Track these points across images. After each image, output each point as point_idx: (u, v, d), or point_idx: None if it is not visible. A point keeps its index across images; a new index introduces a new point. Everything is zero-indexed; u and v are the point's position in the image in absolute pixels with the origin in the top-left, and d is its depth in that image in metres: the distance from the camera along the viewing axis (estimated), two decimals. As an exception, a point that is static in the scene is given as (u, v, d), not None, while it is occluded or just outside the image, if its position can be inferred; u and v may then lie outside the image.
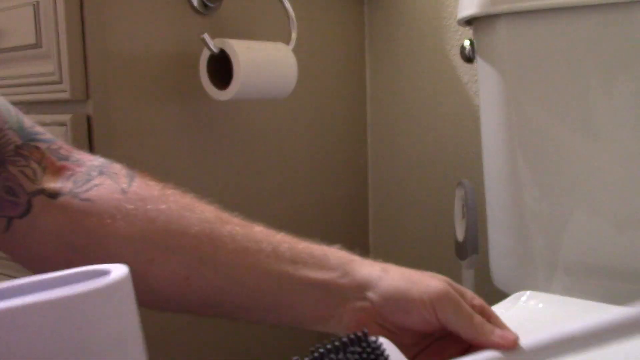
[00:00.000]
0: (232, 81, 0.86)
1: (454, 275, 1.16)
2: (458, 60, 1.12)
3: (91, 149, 0.82)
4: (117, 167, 0.46)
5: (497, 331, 0.40)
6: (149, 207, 0.41)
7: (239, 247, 0.41)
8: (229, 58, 0.86)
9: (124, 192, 0.42)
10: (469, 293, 0.44)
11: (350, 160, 1.24)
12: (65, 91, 0.81)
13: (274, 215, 1.09)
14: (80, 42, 0.81)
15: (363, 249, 1.28)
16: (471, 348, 0.41)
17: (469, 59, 0.90)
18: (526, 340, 0.38)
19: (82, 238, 0.40)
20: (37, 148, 0.44)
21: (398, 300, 0.40)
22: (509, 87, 0.78)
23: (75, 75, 0.81)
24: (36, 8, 0.82)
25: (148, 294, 0.40)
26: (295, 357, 0.32)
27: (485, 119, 0.83)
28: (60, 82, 0.81)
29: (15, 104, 0.92)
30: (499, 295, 0.80)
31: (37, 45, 0.83)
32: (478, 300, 0.43)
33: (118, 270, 0.26)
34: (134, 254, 0.40)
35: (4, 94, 0.91)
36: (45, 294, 0.23)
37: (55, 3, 0.80)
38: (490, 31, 0.79)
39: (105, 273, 0.26)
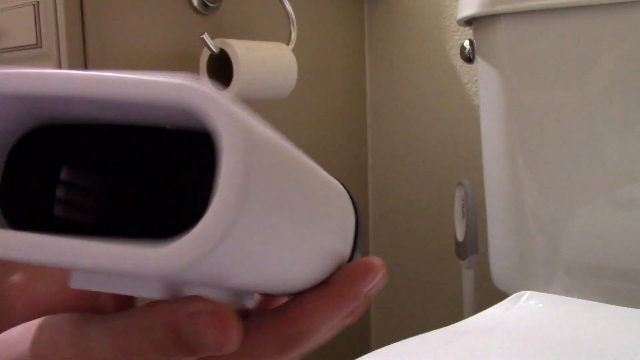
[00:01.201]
0: (232, 81, 0.86)
1: (454, 275, 1.16)
2: (458, 60, 1.12)
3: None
4: None
5: None
6: None
7: None
8: (229, 58, 0.86)
9: None
10: None
11: (350, 160, 1.24)
12: (65, 91, 0.81)
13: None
14: (80, 42, 0.81)
15: (363, 250, 1.28)
16: None
17: (469, 59, 0.90)
18: None
19: None
20: None
21: None
22: (509, 87, 0.78)
23: (75, 75, 0.81)
24: (36, 8, 0.82)
25: None
26: None
27: (485, 118, 0.84)
28: (60, 82, 0.81)
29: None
30: (499, 295, 0.80)
31: (37, 45, 0.83)
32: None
33: None
34: None
35: (4, 94, 0.91)
36: None
37: (55, 3, 0.80)
38: (490, 31, 0.79)
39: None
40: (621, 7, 0.69)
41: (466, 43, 0.91)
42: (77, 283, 0.21)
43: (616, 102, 0.71)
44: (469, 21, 0.83)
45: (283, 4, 0.96)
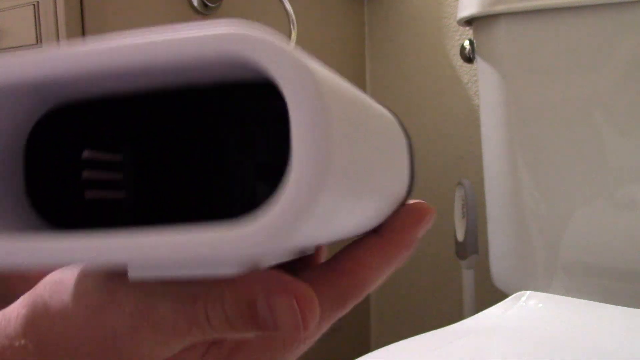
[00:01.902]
0: (232, 81, 0.86)
1: (454, 275, 1.16)
2: (458, 60, 1.12)
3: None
4: None
5: None
6: None
7: None
8: (229, 58, 0.86)
9: None
10: None
11: (350, 160, 1.23)
12: (65, 91, 0.81)
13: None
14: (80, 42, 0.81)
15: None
16: None
17: (469, 59, 0.90)
18: None
19: None
20: None
21: None
22: (509, 87, 0.78)
23: (75, 75, 0.81)
24: (36, 8, 0.82)
25: None
26: None
27: (485, 119, 0.83)
28: (60, 82, 0.81)
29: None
30: (499, 295, 0.80)
31: (37, 45, 0.83)
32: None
33: None
34: None
35: (4, 94, 0.91)
36: None
37: (55, 3, 0.80)
38: (490, 31, 0.79)
39: None
40: (622, 7, 0.69)
41: (466, 43, 0.90)
42: (137, 273, 0.19)
43: (617, 103, 0.71)
44: (469, 21, 0.83)
45: (283, 4, 0.96)
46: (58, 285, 0.23)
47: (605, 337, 0.63)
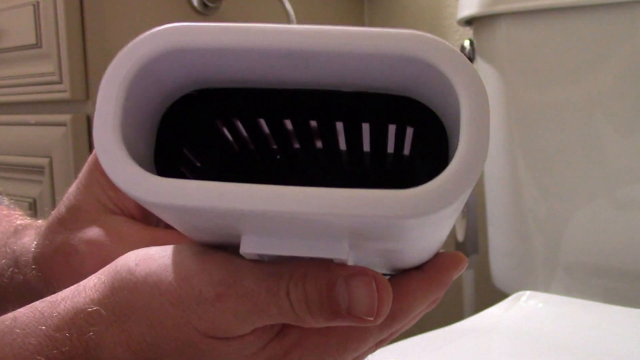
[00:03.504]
0: (232, 81, 0.86)
1: (454, 275, 1.16)
2: (458, 60, 1.12)
3: (91, 149, 0.82)
4: None
5: None
6: None
7: None
8: (229, 58, 0.86)
9: None
10: None
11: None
12: (65, 91, 0.81)
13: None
14: (80, 42, 0.81)
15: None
16: None
17: (469, 59, 0.90)
18: None
19: None
20: None
21: None
22: (509, 87, 0.78)
23: (75, 75, 0.81)
24: (36, 8, 0.82)
25: None
26: None
27: (485, 119, 0.83)
28: (60, 82, 0.81)
29: (15, 104, 0.92)
30: (499, 295, 0.80)
31: (37, 45, 0.83)
32: None
33: None
34: None
35: (4, 94, 0.91)
36: None
37: (55, 3, 0.80)
38: (490, 31, 0.79)
39: None
40: (623, 7, 0.69)
41: (466, 43, 0.90)
42: (250, 248, 0.20)
43: (617, 102, 0.71)
44: (469, 21, 0.83)
45: (283, 4, 0.96)
46: (145, 255, 0.24)
47: (606, 337, 0.63)
